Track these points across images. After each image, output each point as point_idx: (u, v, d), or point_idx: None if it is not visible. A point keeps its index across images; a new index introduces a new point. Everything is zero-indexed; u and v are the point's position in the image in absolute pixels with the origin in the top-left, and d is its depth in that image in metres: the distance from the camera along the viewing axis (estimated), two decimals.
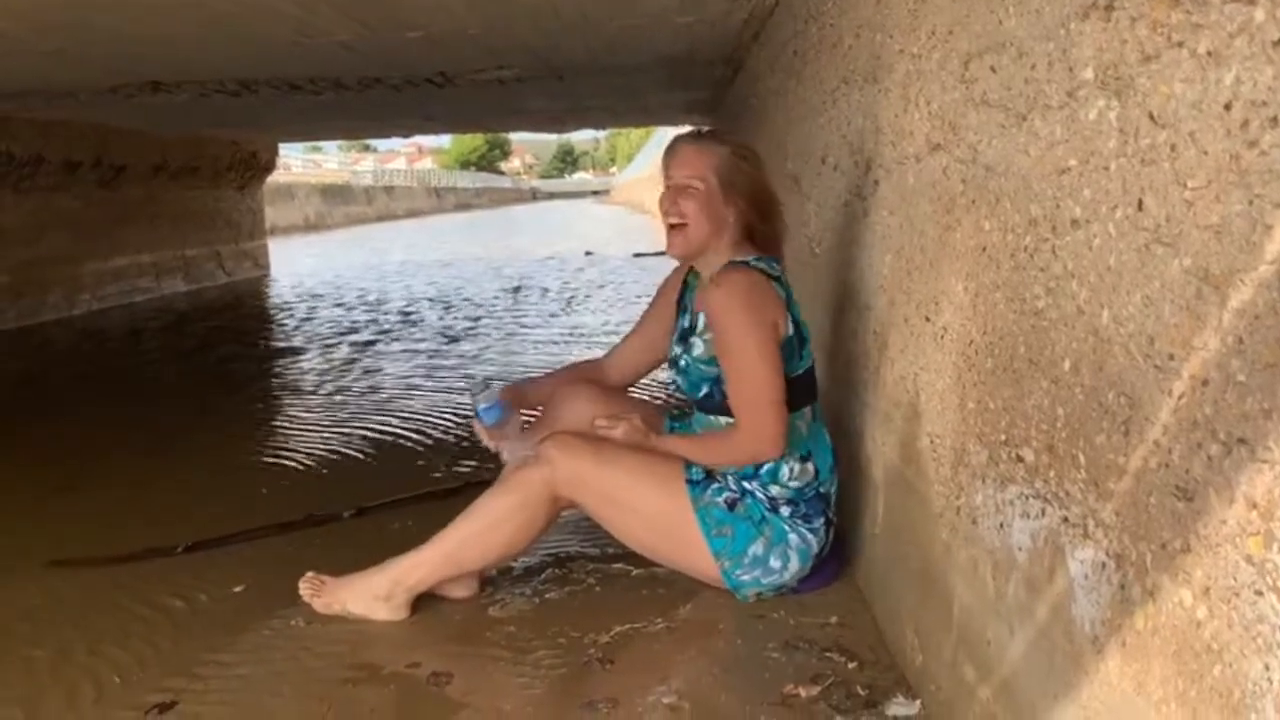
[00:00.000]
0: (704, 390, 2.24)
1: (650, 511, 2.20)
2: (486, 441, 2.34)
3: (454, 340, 6.58)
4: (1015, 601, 1.34)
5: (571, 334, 6.62)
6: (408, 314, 8.01)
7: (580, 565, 2.47)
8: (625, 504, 2.21)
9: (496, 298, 8.92)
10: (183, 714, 1.86)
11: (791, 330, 2.16)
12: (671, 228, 2.22)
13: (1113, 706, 1.06)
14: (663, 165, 2.27)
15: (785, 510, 2.19)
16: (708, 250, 2.23)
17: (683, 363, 2.26)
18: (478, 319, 7.54)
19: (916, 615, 1.82)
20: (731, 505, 2.18)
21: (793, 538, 2.18)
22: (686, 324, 2.34)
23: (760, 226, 2.23)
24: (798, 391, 2.16)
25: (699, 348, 2.22)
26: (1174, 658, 0.94)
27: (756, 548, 2.17)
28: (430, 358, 5.86)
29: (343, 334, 6.90)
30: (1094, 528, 1.11)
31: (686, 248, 2.24)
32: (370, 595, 2.19)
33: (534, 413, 2.53)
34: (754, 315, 2.10)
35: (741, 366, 2.10)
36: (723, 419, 2.23)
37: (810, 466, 2.20)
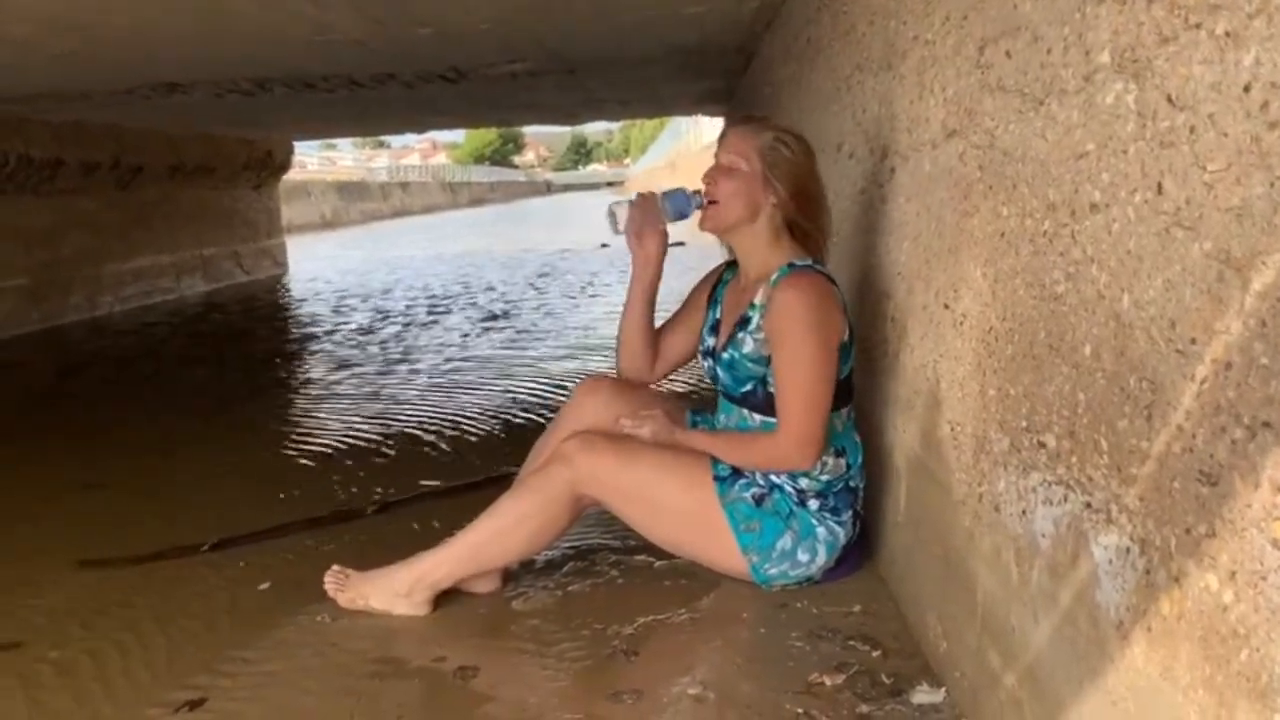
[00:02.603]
0: (748, 387, 2.22)
1: (676, 508, 2.20)
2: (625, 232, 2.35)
3: (494, 317, 7.16)
4: (1039, 588, 1.34)
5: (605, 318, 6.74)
6: (435, 305, 8.10)
7: (602, 557, 2.48)
8: (650, 501, 2.21)
9: (520, 286, 9.02)
10: (212, 710, 1.88)
11: (847, 336, 2.15)
12: (707, 204, 2.22)
13: (1139, 692, 1.06)
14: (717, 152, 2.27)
15: (813, 504, 2.18)
16: (741, 234, 2.22)
17: (727, 356, 2.24)
18: (507, 309, 7.67)
19: (940, 603, 1.82)
20: (759, 500, 2.17)
21: (820, 531, 2.18)
22: (718, 315, 2.34)
23: (800, 220, 2.20)
24: (840, 392, 2.15)
25: (749, 344, 2.19)
26: (1200, 643, 0.94)
27: (784, 542, 2.17)
28: (462, 348, 5.97)
29: (365, 328, 6.93)
30: (1117, 513, 1.11)
31: (716, 224, 2.22)
32: (392, 591, 2.20)
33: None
34: (823, 324, 2.08)
35: (798, 377, 2.08)
36: (757, 416, 2.22)
37: (843, 461, 2.20)
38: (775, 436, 2.13)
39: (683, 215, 2.31)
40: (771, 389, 2.16)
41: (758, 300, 2.18)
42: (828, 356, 2.09)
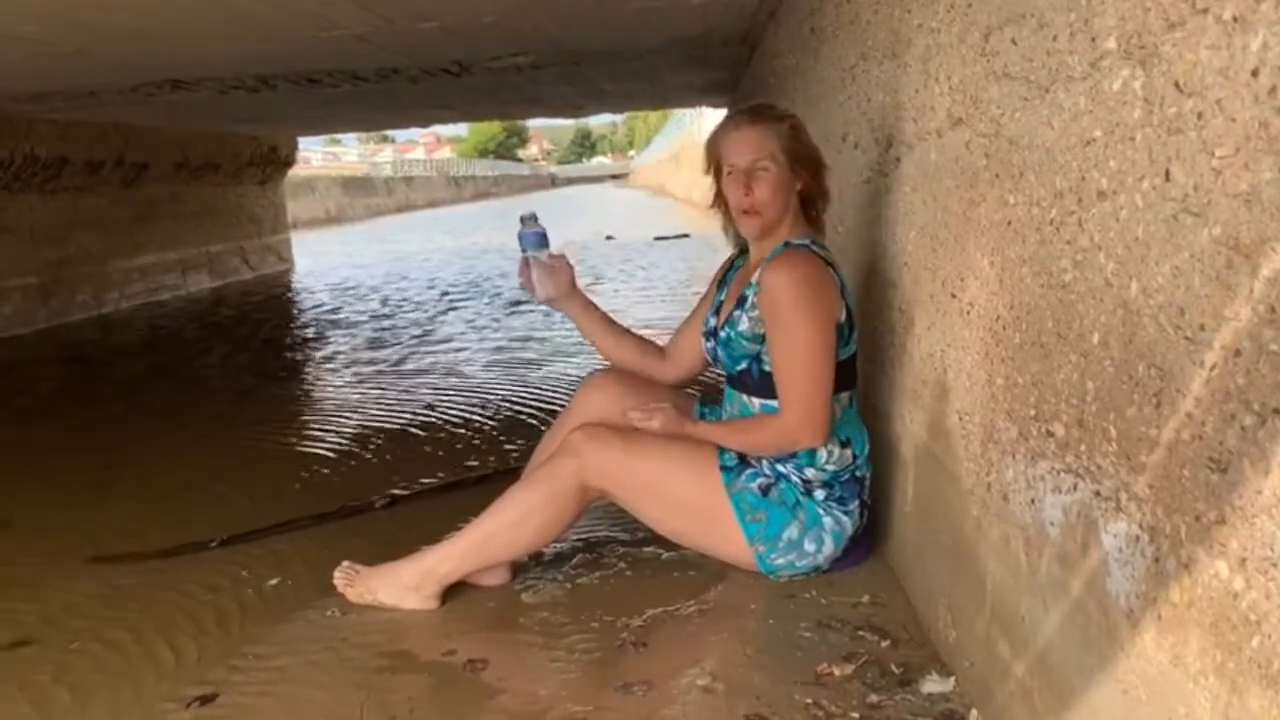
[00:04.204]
0: (742, 366, 2.23)
1: (683, 499, 2.21)
2: (521, 279, 2.42)
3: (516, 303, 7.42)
4: (1048, 577, 1.34)
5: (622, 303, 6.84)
6: (448, 298, 8.15)
7: (611, 550, 2.49)
8: (658, 492, 2.21)
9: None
10: (223, 705, 1.89)
11: (844, 317, 2.14)
12: (744, 213, 2.17)
13: (1150, 680, 1.06)
14: (717, 147, 2.21)
15: (820, 493, 2.18)
16: (780, 227, 2.21)
17: (724, 335, 2.25)
18: (521, 302, 7.72)
19: (949, 592, 1.82)
20: (765, 490, 2.17)
21: (827, 520, 2.18)
22: (723, 297, 2.34)
23: (817, 194, 2.22)
24: (842, 376, 2.15)
25: (744, 323, 2.19)
26: (1211, 630, 0.94)
27: (791, 532, 2.17)
28: (480, 341, 6.04)
29: (375, 322, 6.95)
30: (1127, 501, 1.10)
31: (763, 229, 2.19)
32: (401, 585, 2.21)
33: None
34: (814, 301, 2.08)
35: (795, 353, 2.08)
36: (755, 400, 2.22)
37: (849, 452, 2.19)
38: (780, 417, 2.13)
39: (544, 243, 2.41)
40: (766, 369, 2.16)
41: (754, 279, 2.18)
42: (824, 334, 2.08)
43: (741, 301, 2.21)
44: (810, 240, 2.19)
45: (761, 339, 2.16)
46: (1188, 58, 0.95)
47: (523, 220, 2.43)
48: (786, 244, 2.17)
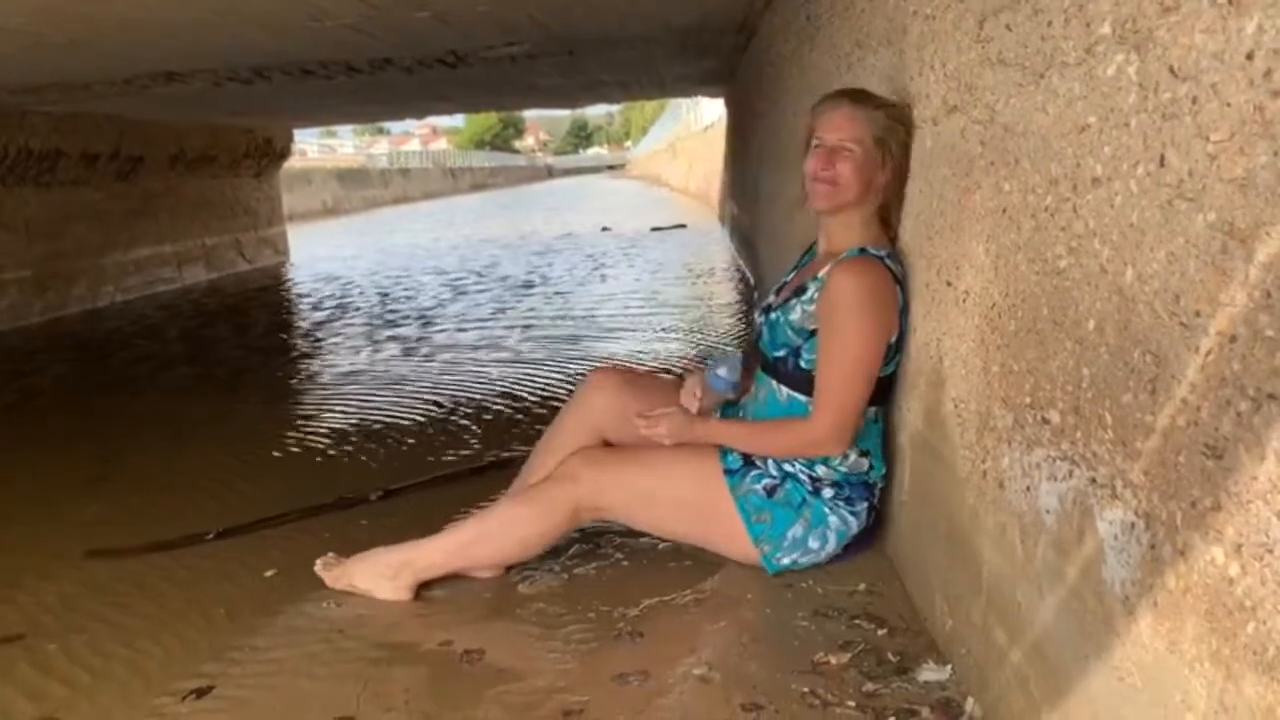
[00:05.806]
0: (780, 353, 2.19)
1: (688, 506, 2.20)
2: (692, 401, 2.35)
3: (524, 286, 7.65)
4: (1044, 564, 1.34)
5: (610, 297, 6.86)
6: (456, 286, 8.18)
7: (607, 541, 2.48)
8: (661, 504, 2.22)
9: (530, 270, 9.08)
10: (219, 697, 1.89)
11: (895, 338, 2.09)
12: (818, 181, 2.12)
13: (1145, 666, 1.06)
14: (812, 119, 2.16)
15: (828, 492, 2.16)
16: (848, 213, 2.14)
17: (774, 317, 2.21)
18: (528, 285, 7.68)
19: (945, 580, 1.82)
20: (770, 492, 2.16)
21: (833, 519, 2.16)
22: (787, 279, 2.32)
23: (894, 197, 2.12)
24: (877, 391, 2.11)
25: (797, 312, 2.15)
26: (1206, 616, 0.94)
27: (796, 530, 2.16)
28: (468, 330, 6.07)
29: (373, 315, 6.94)
30: (1122, 488, 1.10)
31: (832, 201, 2.12)
32: (378, 572, 2.22)
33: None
34: (873, 317, 2.04)
35: (842, 361, 2.06)
36: (784, 389, 2.19)
37: (865, 461, 2.17)
38: (809, 421, 2.11)
39: (733, 381, 2.34)
40: (804, 364, 2.14)
41: (821, 274, 2.13)
42: (874, 349, 2.05)
43: (801, 291, 2.17)
44: (887, 254, 2.12)
45: (808, 334, 2.12)
46: (1182, 42, 0.94)
47: (720, 363, 2.38)
48: (863, 250, 2.11)
